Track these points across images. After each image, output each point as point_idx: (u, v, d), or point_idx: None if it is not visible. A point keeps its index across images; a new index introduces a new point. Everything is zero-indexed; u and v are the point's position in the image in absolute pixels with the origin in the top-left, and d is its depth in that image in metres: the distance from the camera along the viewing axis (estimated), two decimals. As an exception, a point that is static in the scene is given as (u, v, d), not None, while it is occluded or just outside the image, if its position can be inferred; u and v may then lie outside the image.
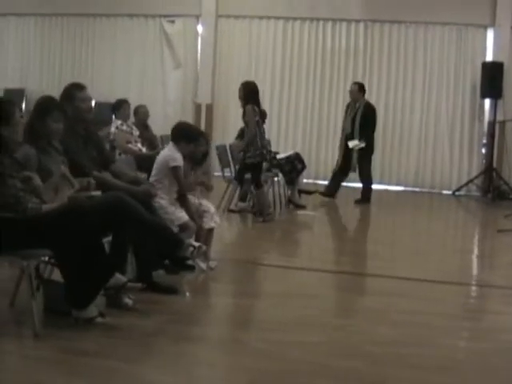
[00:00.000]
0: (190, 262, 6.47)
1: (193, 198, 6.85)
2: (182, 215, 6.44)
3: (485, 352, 4.91)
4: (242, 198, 10.94)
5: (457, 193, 14.45)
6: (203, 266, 6.61)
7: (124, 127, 10.25)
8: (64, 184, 5.03)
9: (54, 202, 4.86)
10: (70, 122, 5.67)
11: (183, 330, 5.04)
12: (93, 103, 6.61)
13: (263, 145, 10.10)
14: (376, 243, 9.29)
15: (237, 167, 10.54)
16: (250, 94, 9.95)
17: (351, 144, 12.43)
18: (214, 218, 6.93)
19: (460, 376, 4.44)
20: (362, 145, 12.30)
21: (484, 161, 14.60)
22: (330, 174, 13.10)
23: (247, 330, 5.12)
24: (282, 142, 15.03)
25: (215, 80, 15.67)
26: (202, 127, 15.30)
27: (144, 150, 10.19)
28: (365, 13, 14.83)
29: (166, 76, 15.93)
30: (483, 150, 14.70)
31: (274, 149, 12.01)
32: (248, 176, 10.43)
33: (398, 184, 14.98)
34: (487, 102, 14.58)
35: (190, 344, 4.79)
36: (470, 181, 14.41)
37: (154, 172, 6.61)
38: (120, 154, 9.78)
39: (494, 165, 14.20)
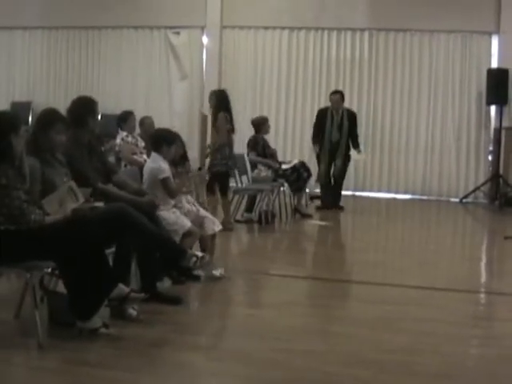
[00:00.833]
0: (195, 272, 6.47)
1: (190, 206, 6.85)
2: (186, 223, 6.43)
3: (493, 359, 4.87)
4: (248, 209, 10.93)
5: (464, 200, 14.40)
6: (216, 272, 6.62)
7: (129, 139, 10.27)
8: (69, 197, 5.02)
9: (58, 214, 4.86)
10: (75, 134, 5.69)
11: (187, 340, 5.03)
12: (99, 116, 6.61)
13: (230, 155, 10.00)
14: (384, 252, 9.27)
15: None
16: (222, 102, 9.85)
17: (358, 157, 12.46)
18: (215, 223, 6.92)
19: (468, 383, 4.41)
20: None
21: (490, 168, 14.55)
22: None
23: (252, 340, 5.08)
24: (288, 151, 15.02)
25: (221, 91, 15.68)
26: (208, 138, 15.34)
27: (149, 161, 10.19)
28: (369, 22, 14.83)
29: (172, 87, 15.96)
30: (490, 157, 14.65)
31: (280, 158, 11.97)
32: (255, 186, 10.43)
33: (405, 192, 14.95)
34: (493, 108, 14.53)
35: (194, 354, 4.78)
36: (477, 188, 14.36)
37: (145, 186, 6.53)
38: (125, 166, 9.80)
39: (501, 171, 14.15)
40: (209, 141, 11.42)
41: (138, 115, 11.05)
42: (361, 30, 15.00)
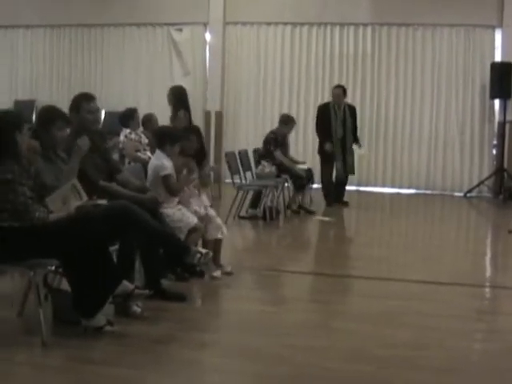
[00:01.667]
0: (199, 269, 6.47)
1: (199, 207, 6.79)
2: (191, 220, 6.42)
3: (497, 353, 4.87)
4: (253, 205, 10.94)
5: (468, 194, 14.37)
6: (216, 274, 6.61)
7: (133, 136, 10.27)
8: (72, 194, 5.04)
9: (61, 211, 4.87)
10: (76, 132, 5.68)
11: (193, 336, 5.03)
12: (102, 113, 6.61)
13: None
14: (388, 246, 9.27)
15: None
16: (180, 99, 9.44)
17: (361, 152, 12.48)
18: (220, 229, 6.87)
19: (472, 378, 4.42)
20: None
21: (495, 162, 14.52)
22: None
23: (258, 336, 5.09)
24: (292, 147, 14.97)
25: (224, 87, 15.68)
26: (212, 134, 15.37)
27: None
28: (372, 16, 14.80)
29: (175, 84, 15.90)
30: (494, 151, 14.63)
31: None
32: (260, 182, 10.40)
33: (409, 187, 14.93)
34: (497, 102, 14.50)
35: (199, 350, 4.80)
36: (481, 182, 14.33)
37: (148, 184, 6.50)
38: (129, 163, 9.80)
39: (505, 165, 14.12)
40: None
41: (141, 112, 11.07)
42: (364, 25, 14.97)
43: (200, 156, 7.15)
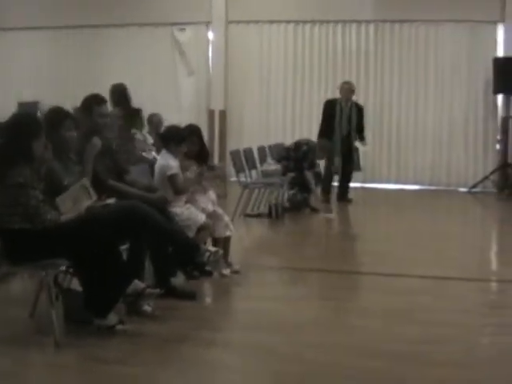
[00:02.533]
0: (208, 268, 6.49)
1: (206, 205, 6.81)
2: (200, 218, 6.44)
3: (507, 347, 4.88)
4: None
5: (473, 190, 14.38)
6: (225, 271, 6.63)
7: (137, 136, 10.26)
8: (82, 195, 5.06)
9: (72, 212, 4.89)
10: (87, 135, 5.70)
11: (203, 335, 5.06)
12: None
13: None
14: (394, 242, 9.26)
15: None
16: (121, 97, 9.15)
17: (364, 148, 12.52)
18: (228, 227, 6.89)
19: (481, 372, 4.42)
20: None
21: (499, 157, 14.53)
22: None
23: (269, 334, 5.10)
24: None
25: (228, 86, 15.70)
26: (216, 133, 15.40)
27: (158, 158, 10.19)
28: (375, 13, 14.80)
29: (179, 84, 15.98)
30: (498, 146, 14.63)
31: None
32: (265, 180, 10.40)
33: (414, 183, 14.94)
34: (500, 97, 14.51)
35: (210, 349, 4.81)
36: (486, 177, 14.34)
37: (156, 184, 6.51)
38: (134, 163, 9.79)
39: (509, 160, 14.13)
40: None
41: (146, 112, 11.06)
42: (366, 21, 14.99)
43: (202, 156, 7.19)
